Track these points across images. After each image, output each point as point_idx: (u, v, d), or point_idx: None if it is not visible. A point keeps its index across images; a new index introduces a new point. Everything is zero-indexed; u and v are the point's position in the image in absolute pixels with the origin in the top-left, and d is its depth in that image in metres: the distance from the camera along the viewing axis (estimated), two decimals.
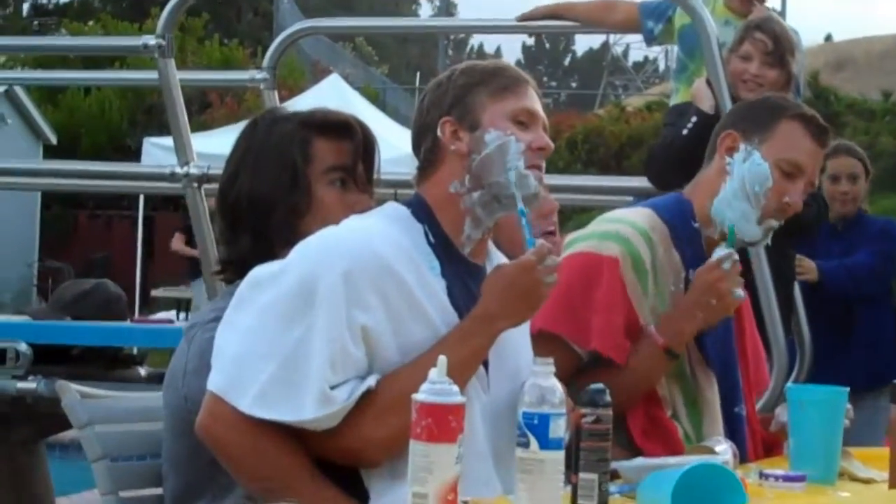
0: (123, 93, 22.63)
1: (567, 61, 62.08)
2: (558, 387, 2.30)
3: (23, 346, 4.68)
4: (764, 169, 3.04)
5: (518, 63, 61.07)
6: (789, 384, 3.48)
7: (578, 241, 3.07)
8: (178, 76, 4.71)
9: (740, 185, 3.06)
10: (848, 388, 2.88)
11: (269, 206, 2.74)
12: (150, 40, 4.61)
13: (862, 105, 21.61)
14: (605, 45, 52.52)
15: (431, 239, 2.59)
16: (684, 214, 3.09)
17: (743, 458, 2.93)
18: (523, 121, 2.61)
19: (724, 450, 2.72)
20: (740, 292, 3.04)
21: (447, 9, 50.59)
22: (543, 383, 2.31)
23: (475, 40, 59.31)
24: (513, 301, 2.53)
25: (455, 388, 2.19)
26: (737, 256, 3.04)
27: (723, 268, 3.00)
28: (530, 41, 60.32)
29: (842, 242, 5.47)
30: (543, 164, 2.64)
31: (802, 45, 4.80)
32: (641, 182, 4.49)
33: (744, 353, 3.20)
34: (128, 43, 5.10)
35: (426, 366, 2.29)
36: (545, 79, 58.62)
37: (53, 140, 21.96)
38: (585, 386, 2.93)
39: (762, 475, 2.71)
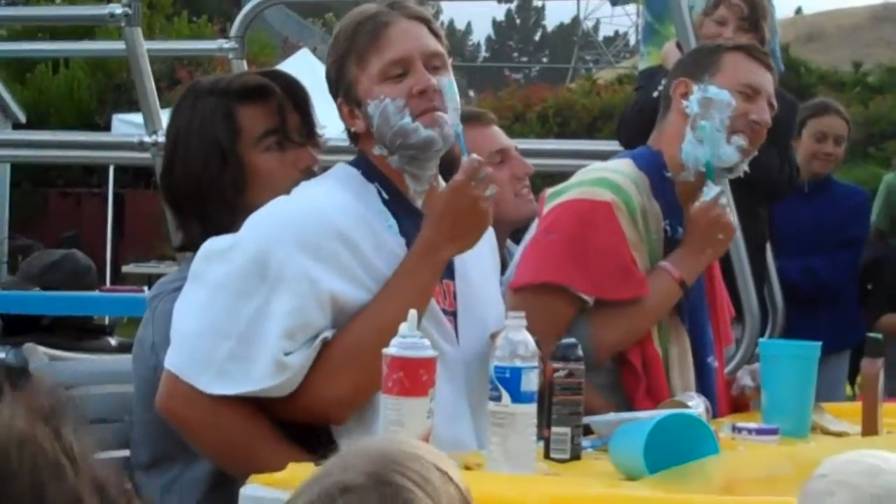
0: (92, 71, 22.47)
1: (537, 36, 62.00)
2: (530, 340, 2.30)
3: None
4: (725, 95, 3.09)
5: (489, 38, 60.96)
6: (762, 339, 3.47)
7: (567, 191, 3.06)
8: (146, 46, 4.66)
9: (704, 115, 3.09)
10: (820, 343, 2.89)
11: (206, 189, 2.68)
12: (117, 9, 4.55)
13: (833, 76, 21.71)
14: (576, 20, 52.49)
15: (385, 196, 2.57)
16: (657, 164, 3.11)
17: (714, 412, 2.93)
18: (395, 73, 2.55)
19: (696, 404, 2.71)
20: (736, 223, 3.17)
21: None
22: (515, 337, 2.30)
23: (445, 15, 59.23)
24: (450, 225, 2.50)
25: (426, 341, 2.19)
26: (727, 192, 3.12)
27: (721, 203, 3.06)
28: (500, 16, 60.26)
29: (811, 207, 5.41)
30: (437, 101, 2.55)
31: (773, 3, 4.80)
32: (611, 146, 4.48)
33: (713, 308, 3.21)
34: (93, 12, 5.03)
35: (371, 314, 2.34)
36: (516, 54, 58.59)
37: (22, 119, 21.79)
38: (605, 323, 2.95)
39: (735, 429, 2.72)
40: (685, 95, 3.13)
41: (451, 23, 60.63)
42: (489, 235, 2.80)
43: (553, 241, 3.01)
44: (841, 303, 5.38)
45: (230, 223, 2.57)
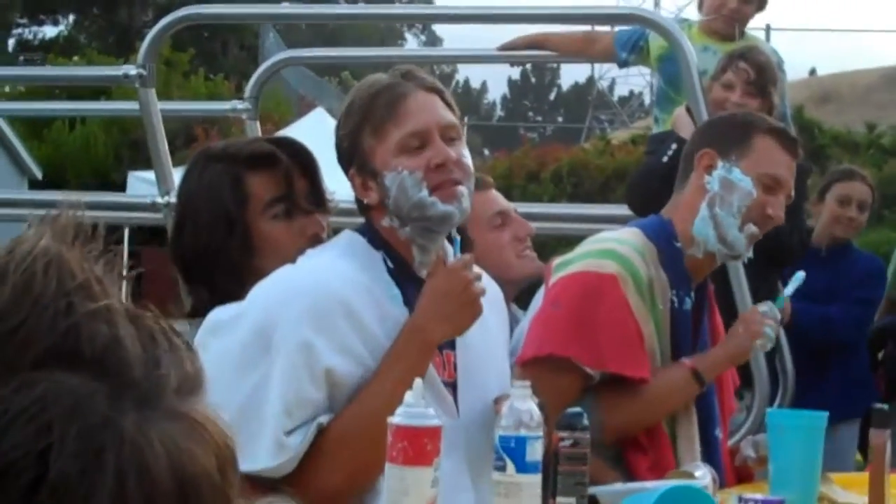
0: (108, 127, 22.64)
1: (553, 95, 62.26)
2: (535, 409, 2.29)
3: None
4: (747, 184, 3.05)
5: (504, 97, 61.20)
6: (770, 409, 3.47)
7: (573, 262, 3.06)
8: (160, 106, 4.70)
9: (723, 198, 3.07)
10: (826, 413, 2.88)
11: (213, 255, 2.70)
12: (131, 70, 4.59)
13: (846, 137, 21.73)
14: (591, 80, 52.70)
15: (390, 264, 2.57)
16: (667, 235, 3.09)
17: (721, 483, 2.92)
18: (413, 145, 2.54)
19: (703, 475, 2.71)
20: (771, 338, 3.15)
21: (433, 43, 50.72)
22: (520, 406, 2.30)
23: (461, 75, 59.53)
24: (441, 307, 2.48)
25: (430, 411, 2.19)
26: (777, 315, 3.14)
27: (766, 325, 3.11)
28: (516, 76, 60.52)
29: (826, 273, 5.40)
30: (456, 173, 2.55)
31: (784, 69, 4.82)
32: (623, 210, 4.49)
33: (719, 379, 3.19)
34: (109, 73, 5.07)
35: (362, 402, 2.35)
36: (531, 113, 58.78)
37: (39, 175, 21.94)
38: (613, 407, 2.94)
39: (741, 500, 2.70)
40: (709, 169, 3.10)
41: (467, 81, 60.98)
42: (497, 300, 2.80)
43: (558, 314, 3.01)
44: (852, 367, 5.36)
45: (238, 289, 2.58)
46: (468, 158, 2.61)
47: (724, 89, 4.44)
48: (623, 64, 5.00)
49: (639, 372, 2.96)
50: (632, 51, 4.89)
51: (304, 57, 5.51)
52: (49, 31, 39.40)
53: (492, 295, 2.79)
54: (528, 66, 54.17)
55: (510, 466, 2.26)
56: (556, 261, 3.11)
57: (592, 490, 2.51)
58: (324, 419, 2.43)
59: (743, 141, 3.10)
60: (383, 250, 2.58)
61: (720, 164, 3.08)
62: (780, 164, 3.09)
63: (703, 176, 3.10)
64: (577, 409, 2.48)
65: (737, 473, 3.18)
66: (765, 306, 3.09)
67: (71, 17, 40.78)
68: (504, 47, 5.15)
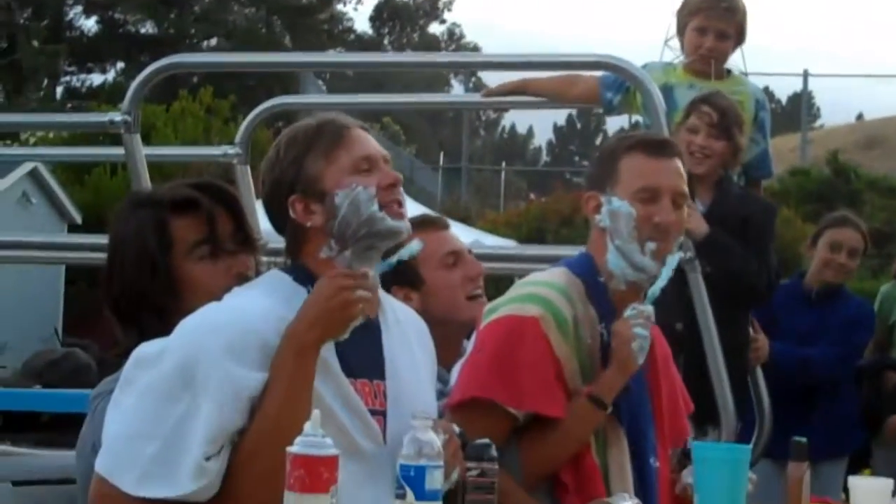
0: (149, 172, 22.85)
1: (598, 140, 62.29)
2: (435, 440, 2.38)
3: None
4: (624, 207, 3.12)
5: (549, 143, 61.25)
6: (695, 441, 3.52)
7: (499, 308, 3.15)
8: (146, 151, 4.81)
9: (614, 231, 3.13)
10: (750, 446, 2.94)
11: (138, 298, 2.79)
12: (116, 116, 4.69)
13: (882, 182, 21.63)
14: (636, 126, 52.67)
15: None
16: (591, 270, 3.17)
17: None
18: (364, 168, 2.68)
19: None
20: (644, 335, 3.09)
21: (479, 89, 50.75)
22: (421, 437, 2.39)
23: (507, 120, 59.70)
24: (313, 312, 2.55)
25: (328, 440, 2.27)
26: (648, 310, 3.11)
27: (633, 325, 3.08)
28: (561, 121, 60.61)
29: (814, 315, 5.47)
30: (401, 197, 2.70)
31: (768, 108, 4.90)
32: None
33: (658, 406, 3.24)
34: (94, 119, 5.20)
35: (258, 420, 2.47)
36: (577, 157, 58.79)
37: (78, 220, 22.12)
38: (528, 446, 3.01)
39: None
40: (596, 209, 3.18)
41: (513, 127, 61.16)
42: (423, 334, 2.89)
43: (481, 359, 3.09)
44: (836, 407, 5.40)
45: (164, 330, 2.67)
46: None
47: (688, 133, 4.54)
48: (608, 105, 4.96)
49: (553, 410, 3.03)
50: (618, 91, 4.89)
51: (292, 103, 5.60)
52: (97, 79, 39.84)
53: (418, 329, 2.89)
54: (574, 111, 54.12)
55: (410, 495, 2.35)
56: (486, 308, 3.21)
57: None
58: (237, 438, 2.52)
59: (611, 169, 3.18)
60: (310, 285, 2.67)
61: (602, 199, 3.17)
62: (650, 172, 3.14)
63: (595, 217, 3.19)
64: (485, 441, 2.56)
65: (678, 502, 3.22)
66: (630, 310, 3.10)
67: (119, 65, 41.19)
68: (488, 93, 5.27)
